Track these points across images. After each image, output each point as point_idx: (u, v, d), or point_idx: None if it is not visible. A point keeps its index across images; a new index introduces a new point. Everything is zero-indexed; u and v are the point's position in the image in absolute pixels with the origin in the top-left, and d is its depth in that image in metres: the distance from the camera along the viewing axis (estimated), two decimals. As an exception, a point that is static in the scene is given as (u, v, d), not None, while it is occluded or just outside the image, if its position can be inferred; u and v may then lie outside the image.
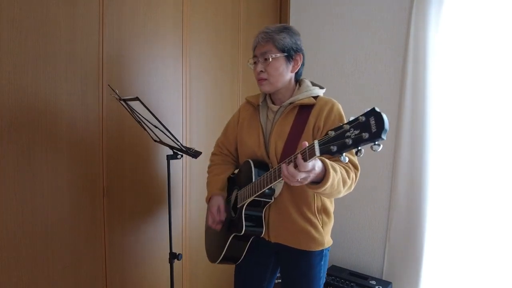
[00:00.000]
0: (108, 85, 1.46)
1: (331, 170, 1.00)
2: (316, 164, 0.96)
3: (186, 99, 1.88)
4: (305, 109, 1.24)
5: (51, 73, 1.31)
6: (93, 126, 1.46)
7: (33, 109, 1.27)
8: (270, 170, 1.09)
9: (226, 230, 1.33)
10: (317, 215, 1.25)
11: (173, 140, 1.37)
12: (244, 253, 1.33)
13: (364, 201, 2.29)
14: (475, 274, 1.95)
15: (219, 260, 1.36)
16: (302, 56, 1.26)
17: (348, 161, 1.15)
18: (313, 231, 1.24)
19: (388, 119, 0.76)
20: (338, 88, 2.34)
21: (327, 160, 1.02)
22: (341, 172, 1.07)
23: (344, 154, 0.83)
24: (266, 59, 1.21)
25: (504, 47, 1.81)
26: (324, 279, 1.34)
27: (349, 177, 1.11)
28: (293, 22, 2.57)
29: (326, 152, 0.85)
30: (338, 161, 1.13)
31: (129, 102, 1.29)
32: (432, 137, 1.99)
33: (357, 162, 1.18)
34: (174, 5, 1.78)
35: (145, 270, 1.74)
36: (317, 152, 0.87)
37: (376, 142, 0.76)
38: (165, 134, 1.35)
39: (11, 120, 1.21)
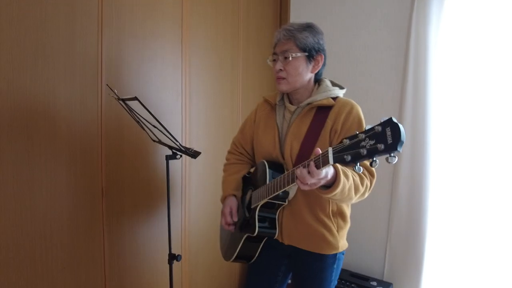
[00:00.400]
0: (107, 84, 1.46)
1: (342, 177, 0.98)
2: (329, 172, 0.94)
3: (186, 99, 1.88)
4: (323, 111, 1.21)
5: (50, 73, 1.31)
6: (92, 126, 1.46)
7: (32, 109, 1.27)
8: (284, 173, 1.07)
9: (239, 230, 1.33)
10: (332, 218, 1.23)
11: (172, 140, 1.36)
12: (258, 253, 1.32)
13: (365, 202, 2.27)
14: (475, 275, 1.93)
15: (232, 259, 1.36)
16: (323, 57, 1.23)
17: (364, 168, 1.13)
18: (327, 234, 1.22)
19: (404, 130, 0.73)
20: (339, 88, 2.33)
21: (339, 166, 0.99)
22: (353, 179, 1.05)
23: (358, 164, 0.81)
24: (286, 58, 1.19)
25: (505, 47, 1.80)
26: (336, 283, 1.32)
27: (362, 184, 1.09)
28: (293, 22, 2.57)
29: (339, 161, 0.83)
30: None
31: (128, 102, 1.29)
32: (433, 138, 1.99)
33: (373, 169, 1.15)
34: (174, 5, 1.78)
35: (144, 271, 1.73)
36: (331, 161, 0.85)
37: (392, 154, 0.74)
38: (164, 134, 1.35)
39: (9, 120, 1.21)
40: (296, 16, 2.56)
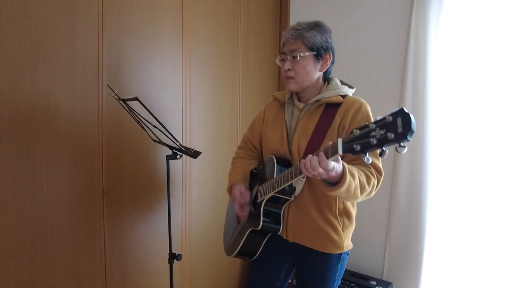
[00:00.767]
0: (107, 85, 1.46)
1: (348, 175, 0.98)
2: (336, 167, 0.94)
3: (186, 99, 1.88)
4: (331, 108, 1.21)
5: (50, 73, 1.31)
6: (92, 126, 1.46)
7: (33, 109, 1.27)
8: (292, 166, 1.08)
9: (244, 224, 1.33)
10: (338, 217, 1.23)
11: (172, 140, 1.36)
12: (260, 249, 1.32)
13: (365, 202, 2.28)
14: (475, 275, 1.94)
15: (234, 254, 1.36)
16: (332, 55, 1.23)
17: (372, 165, 1.13)
18: (332, 233, 1.22)
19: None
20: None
21: (346, 165, 1.00)
22: (359, 178, 1.05)
23: (368, 154, 0.81)
24: (294, 57, 1.19)
25: (504, 47, 1.80)
26: (339, 283, 1.32)
27: (369, 183, 1.09)
28: (293, 23, 2.56)
29: (349, 150, 0.84)
30: (361, 165, 1.12)
31: (128, 102, 1.29)
32: (432, 137, 1.99)
33: (381, 167, 1.15)
34: (174, 5, 1.78)
35: (145, 270, 1.73)
36: (340, 150, 0.85)
37: (401, 144, 0.74)
38: (164, 134, 1.35)
39: (10, 120, 1.21)
40: (296, 16, 2.56)
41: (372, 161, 1.13)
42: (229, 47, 2.15)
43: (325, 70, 1.24)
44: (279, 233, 1.27)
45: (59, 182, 1.36)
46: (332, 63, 1.25)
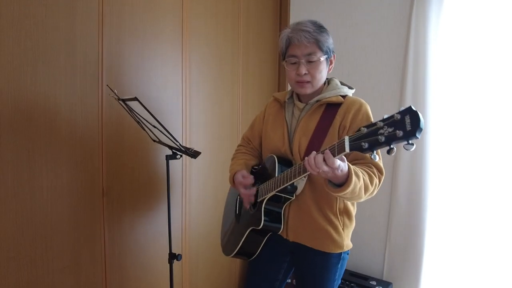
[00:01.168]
0: (107, 85, 1.46)
1: (354, 176, 0.98)
2: (342, 165, 0.94)
3: (186, 99, 1.88)
4: (332, 108, 1.21)
5: (50, 73, 1.31)
6: (92, 126, 1.46)
7: (33, 109, 1.27)
8: (295, 165, 1.08)
9: (244, 223, 1.33)
10: (338, 216, 1.23)
11: (172, 140, 1.36)
12: (260, 249, 1.32)
13: (364, 202, 2.28)
14: (475, 275, 1.94)
15: (233, 254, 1.35)
16: (335, 56, 1.25)
17: (373, 164, 1.13)
18: (333, 232, 1.22)
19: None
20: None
21: (351, 166, 1.00)
22: (363, 178, 1.05)
23: (375, 152, 0.82)
24: (310, 62, 1.18)
25: (504, 47, 1.80)
26: (339, 282, 1.32)
27: (372, 183, 1.10)
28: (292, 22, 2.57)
29: (356, 148, 0.84)
30: (362, 164, 1.13)
31: (128, 102, 1.29)
32: (432, 137, 1.99)
33: (382, 166, 1.16)
34: (174, 5, 1.78)
35: (145, 270, 1.73)
36: (347, 148, 0.86)
37: (410, 141, 0.75)
38: (164, 134, 1.35)
39: (10, 120, 1.21)
40: (296, 16, 2.56)
41: (374, 160, 1.13)
42: (229, 47, 2.15)
43: (331, 71, 1.26)
44: (279, 232, 1.27)
45: (59, 182, 1.36)
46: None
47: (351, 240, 1.30)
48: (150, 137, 1.57)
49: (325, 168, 0.92)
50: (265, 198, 1.22)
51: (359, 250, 2.33)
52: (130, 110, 1.35)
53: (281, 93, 1.39)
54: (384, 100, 2.18)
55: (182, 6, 1.82)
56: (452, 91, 1.95)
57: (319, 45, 1.17)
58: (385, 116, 0.81)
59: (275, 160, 1.22)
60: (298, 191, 1.22)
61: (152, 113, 1.22)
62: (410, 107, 0.76)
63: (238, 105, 2.26)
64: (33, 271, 1.30)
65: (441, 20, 1.93)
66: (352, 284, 2.11)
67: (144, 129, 1.49)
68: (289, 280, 1.41)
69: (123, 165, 1.59)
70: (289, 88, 1.35)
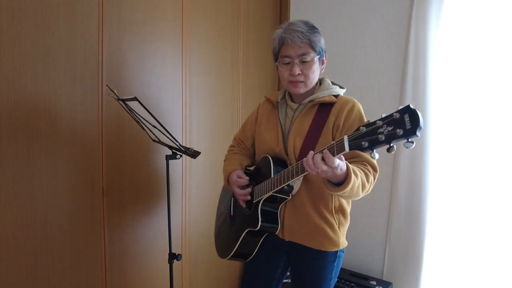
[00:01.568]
0: (107, 85, 1.46)
1: (353, 175, 0.99)
2: (341, 164, 0.95)
3: (186, 99, 1.88)
4: (325, 107, 1.22)
5: (51, 73, 1.31)
6: (92, 126, 1.46)
7: (33, 109, 1.27)
8: (292, 165, 1.08)
9: (239, 225, 1.32)
10: (334, 214, 1.24)
11: (172, 140, 1.36)
12: (256, 250, 1.32)
13: (365, 201, 2.28)
14: (475, 275, 1.94)
15: (229, 256, 1.35)
16: (326, 56, 1.26)
17: (368, 163, 1.15)
18: (329, 231, 1.23)
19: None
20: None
21: (350, 165, 1.01)
22: (361, 177, 1.06)
23: (375, 151, 0.83)
24: (304, 62, 1.19)
25: (504, 47, 1.80)
26: (336, 280, 1.33)
27: (368, 181, 1.11)
28: (293, 22, 2.57)
29: (356, 147, 0.85)
30: (357, 163, 1.14)
31: (128, 102, 1.29)
32: (432, 137, 1.99)
33: (376, 164, 1.17)
34: (174, 5, 1.78)
35: (145, 270, 1.74)
36: (347, 148, 0.87)
37: (410, 139, 0.76)
38: (164, 134, 1.35)
39: (10, 120, 1.21)
40: (296, 16, 2.56)
41: (368, 159, 1.15)
42: (229, 47, 2.15)
43: (323, 71, 1.27)
44: (276, 232, 1.27)
45: (59, 182, 1.36)
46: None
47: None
48: (150, 137, 1.57)
49: (324, 167, 0.93)
50: (262, 198, 1.22)
51: (359, 250, 2.33)
52: (130, 110, 1.35)
53: (273, 94, 1.40)
54: (384, 100, 2.18)
55: (182, 6, 1.82)
56: (452, 91, 1.95)
57: (312, 45, 1.18)
58: (384, 115, 0.82)
59: (270, 161, 1.22)
60: (294, 191, 1.23)
61: (152, 113, 1.22)
62: (408, 105, 0.77)
63: (238, 105, 2.26)
64: (33, 271, 1.30)
65: (441, 20, 1.93)
66: (352, 284, 2.11)
67: (144, 129, 1.49)
68: (288, 280, 1.41)
69: (123, 165, 1.60)
70: None
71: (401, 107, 0.79)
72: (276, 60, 1.26)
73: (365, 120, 1.19)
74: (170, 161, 1.51)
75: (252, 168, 1.41)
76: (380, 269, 2.26)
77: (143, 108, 1.21)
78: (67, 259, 1.40)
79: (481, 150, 1.90)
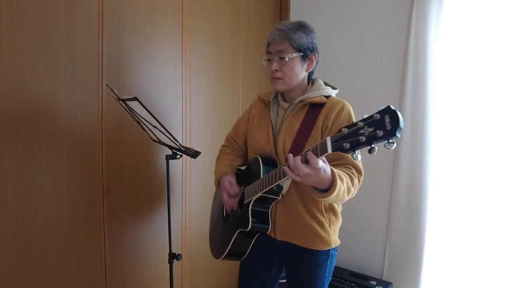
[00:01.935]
0: (107, 85, 1.46)
1: (338, 180, 0.99)
2: (325, 169, 0.95)
3: (186, 99, 1.88)
4: (315, 108, 1.23)
5: (51, 73, 1.31)
6: (92, 126, 1.46)
7: (33, 109, 1.27)
8: (280, 166, 1.08)
9: (231, 226, 1.33)
10: (324, 213, 1.24)
11: (172, 140, 1.36)
12: (249, 249, 1.32)
13: (365, 201, 2.29)
14: (475, 275, 1.94)
15: (223, 256, 1.36)
16: (317, 55, 1.25)
17: (352, 165, 1.15)
18: (319, 230, 1.23)
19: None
20: (338, 88, 2.33)
21: (335, 170, 1.01)
22: (347, 182, 1.06)
23: (357, 152, 0.83)
24: (282, 58, 1.20)
25: (504, 47, 1.80)
26: (330, 279, 1.33)
27: (353, 184, 1.11)
28: (293, 22, 2.57)
29: (338, 149, 0.85)
30: (341, 166, 1.14)
31: (128, 102, 1.29)
32: (432, 137, 1.99)
33: (361, 167, 1.17)
34: (174, 5, 1.78)
35: (145, 270, 1.74)
36: (329, 149, 0.87)
37: (390, 140, 0.76)
38: (164, 134, 1.35)
39: (10, 120, 1.21)
40: (296, 16, 2.56)
41: (353, 161, 1.15)
42: (229, 47, 2.15)
43: (310, 70, 1.27)
44: (267, 232, 1.27)
45: (59, 182, 1.36)
46: (317, 63, 1.27)
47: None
48: (150, 137, 1.57)
49: (306, 170, 0.93)
50: (252, 199, 1.22)
51: (359, 250, 2.33)
52: (130, 110, 1.35)
53: (265, 93, 1.40)
54: (384, 101, 2.18)
55: (182, 6, 1.82)
56: (452, 91, 1.95)
57: (291, 43, 1.18)
58: (365, 116, 0.81)
59: (259, 162, 1.23)
60: (284, 190, 1.23)
61: (152, 113, 1.22)
62: (389, 106, 0.77)
63: (238, 105, 2.26)
64: (33, 271, 1.30)
65: (441, 20, 1.93)
66: (352, 284, 2.11)
67: (144, 129, 1.49)
68: (285, 280, 1.41)
69: (123, 165, 1.60)
70: None
71: (382, 107, 0.78)
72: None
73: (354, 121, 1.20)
74: (170, 161, 1.51)
75: (243, 168, 1.41)
76: (380, 269, 2.26)
77: (143, 108, 1.21)
78: (67, 259, 1.40)
79: (481, 150, 1.90)
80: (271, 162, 1.23)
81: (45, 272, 1.34)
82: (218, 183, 1.36)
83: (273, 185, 1.11)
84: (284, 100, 1.32)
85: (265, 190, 1.15)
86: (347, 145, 0.82)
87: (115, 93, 1.32)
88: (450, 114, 1.97)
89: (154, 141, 1.58)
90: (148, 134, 1.53)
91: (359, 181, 1.15)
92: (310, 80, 1.31)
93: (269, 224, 1.26)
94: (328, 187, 1.00)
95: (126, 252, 1.63)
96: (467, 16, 1.88)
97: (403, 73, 2.09)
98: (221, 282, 2.22)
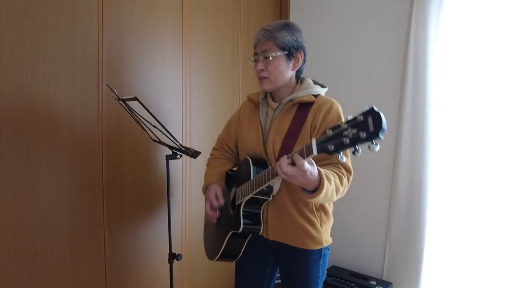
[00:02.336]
0: (107, 85, 1.46)
1: (326, 181, 1.00)
2: (311, 170, 0.95)
3: (186, 99, 1.88)
4: (304, 107, 1.23)
5: (51, 73, 1.31)
6: (92, 126, 1.46)
7: (33, 110, 1.27)
8: (268, 168, 1.09)
9: (224, 227, 1.33)
10: (315, 213, 1.24)
11: (172, 140, 1.36)
12: (243, 250, 1.32)
13: (364, 201, 2.29)
14: (475, 275, 1.94)
15: (217, 257, 1.36)
16: (303, 54, 1.25)
17: (342, 165, 1.15)
18: (311, 229, 1.23)
19: (386, 119, 0.76)
20: (338, 88, 2.33)
21: (322, 171, 1.01)
22: (334, 181, 1.06)
23: (342, 153, 0.83)
24: (266, 58, 1.20)
25: (504, 47, 1.80)
26: (324, 278, 1.33)
27: (342, 184, 1.11)
28: (293, 22, 2.57)
29: (323, 150, 0.85)
30: (330, 165, 1.14)
31: (128, 102, 1.29)
32: (432, 137, 1.99)
33: (350, 166, 1.17)
34: (174, 4, 1.78)
35: (145, 270, 1.74)
36: (315, 151, 0.87)
37: (374, 142, 0.76)
38: (164, 134, 1.35)
39: (10, 120, 1.22)
40: (296, 16, 2.56)
41: (341, 160, 1.14)
42: (229, 47, 2.15)
43: (297, 69, 1.26)
44: (260, 233, 1.28)
45: (59, 182, 1.36)
46: (304, 62, 1.27)
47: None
48: (150, 137, 1.57)
49: (292, 171, 0.93)
50: (243, 201, 1.22)
51: (359, 250, 2.33)
52: (130, 110, 1.35)
53: (255, 93, 1.40)
54: (384, 101, 2.18)
55: (182, 6, 1.82)
56: (452, 91, 1.95)
57: (275, 42, 1.19)
58: (349, 118, 0.81)
59: (249, 163, 1.22)
60: (275, 191, 1.23)
61: (152, 113, 1.22)
62: (372, 107, 0.77)
63: (238, 105, 2.26)
64: (33, 271, 1.30)
65: (441, 20, 1.93)
66: (352, 284, 2.11)
67: (144, 129, 1.49)
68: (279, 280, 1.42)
69: (123, 165, 1.60)
70: None
71: (366, 107, 0.78)
72: None
73: (343, 120, 1.20)
74: (170, 161, 1.51)
75: (235, 169, 1.41)
76: (380, 269, 2.26)
77: (143, 108, 1.21)
78: (67, 259, 1.40)
79: (481, 150, 1.90)
80: (261, 163, 1.23)
81: (45, 272, 1.34)
82: (205, 190, 1.37)
83: (263, 186, 1.11)
84: (273, 100, 1.32)
85: (255, 192, 1.15)
86: (332, 147, 0.83)
87: (115, 93, 1.32)
88: (450, 113, 1.97)
89: (154, 141, 1.58)
90: (148, 134, 1.53)
91: (348, 180, 1.15)
92: (299, 79, 1.31)
93: (261, 225, 1.26)
94: (316, 188, 1.00)
95: (126, 252, 1.63)
96: (467, 15, 1.88)
97: (403, 73, 2.09)
98: (221, 282, 2.22)
